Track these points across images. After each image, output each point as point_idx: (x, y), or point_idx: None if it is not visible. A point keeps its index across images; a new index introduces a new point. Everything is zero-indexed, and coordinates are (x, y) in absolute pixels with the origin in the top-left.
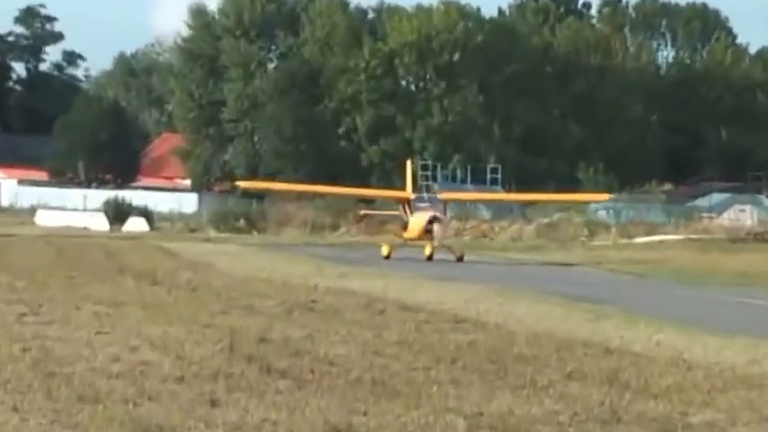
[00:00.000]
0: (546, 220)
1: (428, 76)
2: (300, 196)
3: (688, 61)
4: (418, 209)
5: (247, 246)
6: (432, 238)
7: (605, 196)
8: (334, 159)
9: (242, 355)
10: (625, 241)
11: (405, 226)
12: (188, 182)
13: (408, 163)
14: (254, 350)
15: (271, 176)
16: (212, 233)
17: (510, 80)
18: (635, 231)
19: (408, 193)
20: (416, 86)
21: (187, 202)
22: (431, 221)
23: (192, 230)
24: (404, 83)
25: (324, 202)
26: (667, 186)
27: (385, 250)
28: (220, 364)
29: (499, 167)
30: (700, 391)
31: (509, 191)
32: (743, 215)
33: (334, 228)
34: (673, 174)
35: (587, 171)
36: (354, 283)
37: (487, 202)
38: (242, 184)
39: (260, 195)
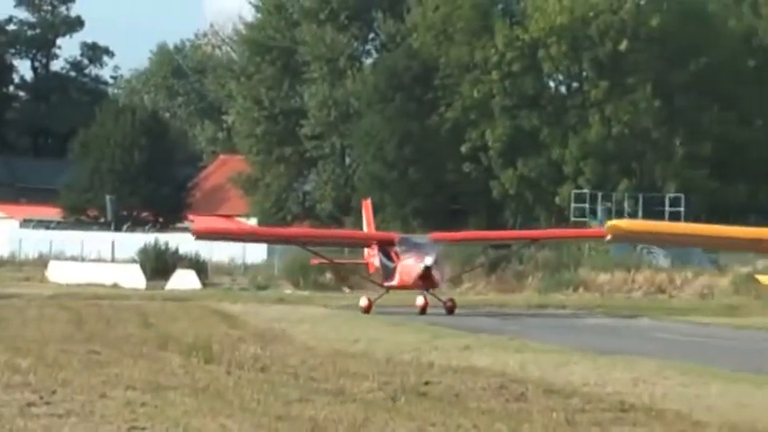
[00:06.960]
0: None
1: (584, 74)
2: None
3: None
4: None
5: (336, 309)
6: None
7: None
8: (455, 189)
9: None
10: None
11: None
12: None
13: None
14: None
15: None
16: (288, 291)
17: (697, 79)
18: None
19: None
20: (568, 88)
21: (254, 250)
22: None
23: (261, 288)
24: (551, 83)
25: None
26: None
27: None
28: None
29: (682, 197)
30: None
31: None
32: None
33: (456, 283)
34: None
35: None
36: (482, 358)
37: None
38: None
39: None
